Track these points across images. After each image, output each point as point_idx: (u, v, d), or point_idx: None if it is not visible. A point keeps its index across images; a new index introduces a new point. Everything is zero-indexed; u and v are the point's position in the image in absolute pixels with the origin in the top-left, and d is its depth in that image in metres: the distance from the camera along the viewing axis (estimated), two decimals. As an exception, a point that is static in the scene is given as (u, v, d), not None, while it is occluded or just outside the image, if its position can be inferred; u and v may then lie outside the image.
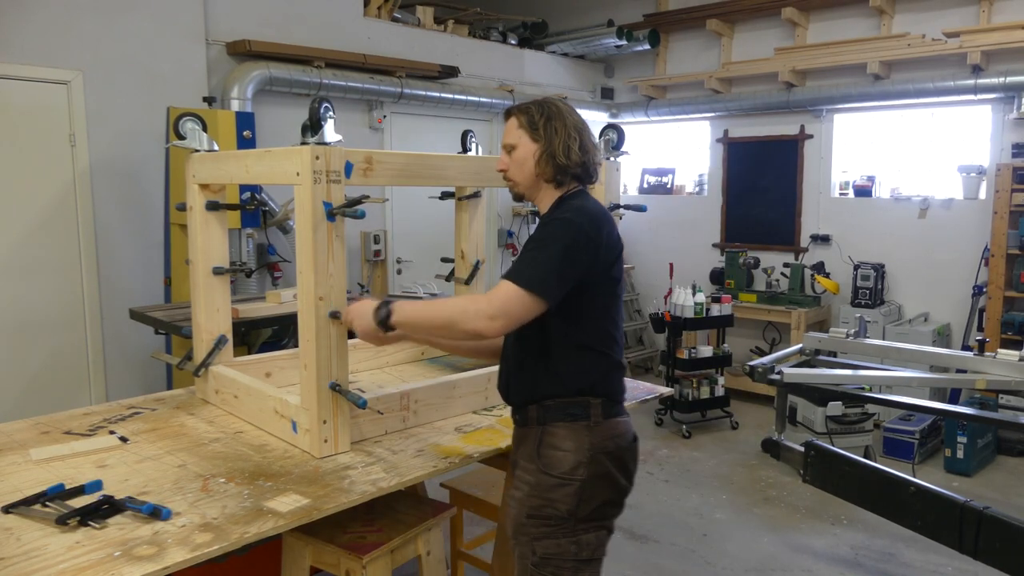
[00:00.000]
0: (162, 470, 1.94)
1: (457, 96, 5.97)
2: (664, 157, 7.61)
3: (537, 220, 1.98)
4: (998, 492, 4.44)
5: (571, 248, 1.77)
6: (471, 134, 2.87)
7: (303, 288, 2.01)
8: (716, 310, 5.50)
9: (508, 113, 1.99)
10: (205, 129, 2.44)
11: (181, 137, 2.42)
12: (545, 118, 1.91)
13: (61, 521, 1.55)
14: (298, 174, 1.95)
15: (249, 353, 3.70)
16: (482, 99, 6.20)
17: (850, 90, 5.89)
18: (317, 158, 1.91)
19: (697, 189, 7.29)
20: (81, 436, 2.16)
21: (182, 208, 2.51)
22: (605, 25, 6.99)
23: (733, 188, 6.87)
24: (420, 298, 4.94)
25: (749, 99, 6.46)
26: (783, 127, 6.51)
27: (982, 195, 5.53)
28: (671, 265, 6.68)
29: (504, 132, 1.99)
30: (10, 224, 4.08)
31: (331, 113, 1.99)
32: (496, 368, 2.48)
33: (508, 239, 6.78)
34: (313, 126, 1.96)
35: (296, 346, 2.11)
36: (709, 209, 7.01)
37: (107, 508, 1.65)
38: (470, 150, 2.87)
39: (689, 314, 5.39)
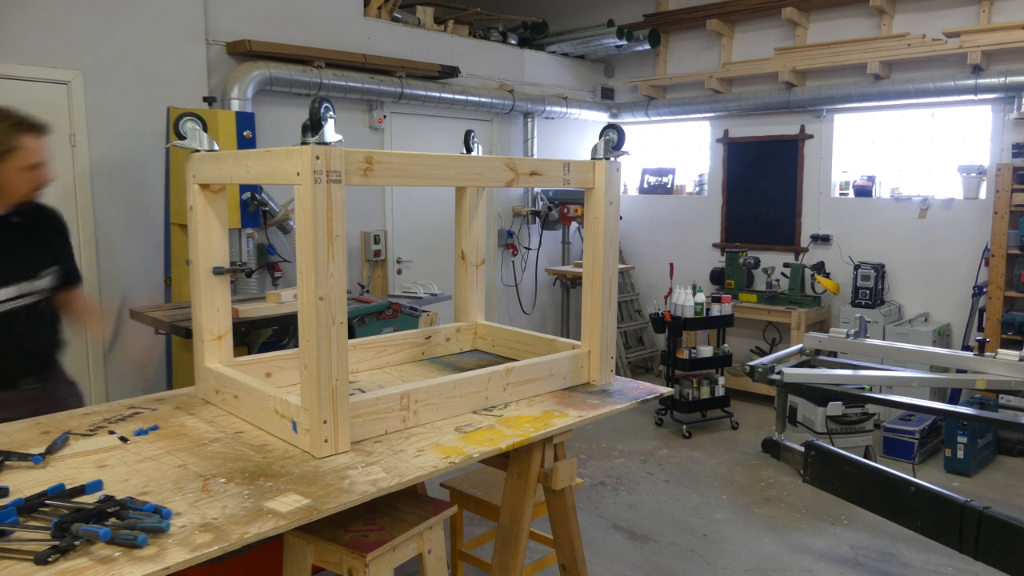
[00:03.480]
0: (162, 470, 1.93)
1: (457, 96, 5.97)
2: (664, 157, 7.62)
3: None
4: (998, 492, 4.44)
5: None
6: (473, 134, 2.88)
7: (303, 288, 2.01)
8: (716, 310, 5.50)
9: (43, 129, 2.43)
10: (205, 129, 2.44)
11: (181, 137, 2.40)
12: None
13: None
14: (298, 174, 1.93)
15: (249, 353, 3.70)
16: (482, 99, 6.20)
17: (850, 90, 5.89)
18: (317, 158, 1.90)
19: (697, 189, 7.29)
20: (81, 436, 2.16)
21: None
22: (605, 25, 6.99)
23: (733, 188, 6.87)
24: (420, 298, 4.95)
25: (749, 99, 6.46)
26: (783, 127, 6.51)
27: (982, 195, 5.53)
28: (671, 265, 6.69)
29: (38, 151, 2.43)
30: (10, 224, 4.08)
31: (331, 113, 1.98)
32: (496, 368, 2.49)
33: (508, 239, 6.78)
34: (313, 126, 1.94)
35: (296, 346, 2.11)
36: (709, 209, 7.02)
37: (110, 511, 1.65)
38: (472, 150, 2.87)
39: (689, 314, 5.39)
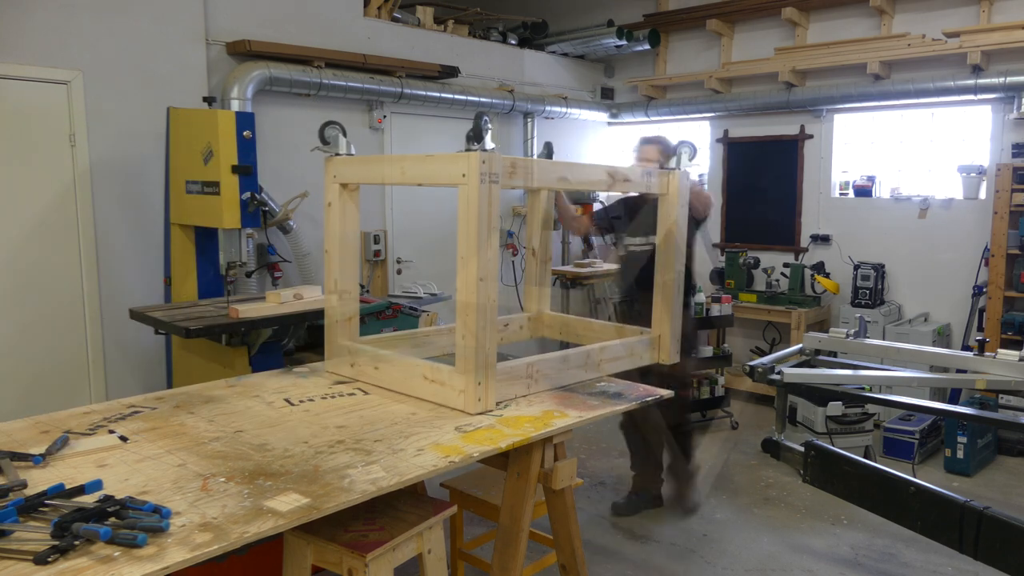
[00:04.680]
0: (162, 469, 1.94)
1: (457, 96, 5.97)
2: (664, 157, 7.61)
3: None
4: (998, 492, 4.44)
5: None
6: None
7: (464, 272, 2.32)
8: (716, 310, 5.50)
9: None
10: (345, 135, 2.74)
11: (325, 143, 2.71)
12: None
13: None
14: (464, 175, 2.27)
15: (250, 354, 3.71)
16: (482, 99, 6.19)
17: (850, 90, 5.89)
18: (483, 162, 2.25)
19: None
20: (81, 435, 2.16)
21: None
22: (605, 25, 6.99)
23: (733, 188, 6.87)
24: (420, 298, 4.95)
25: (749, 99, 6.46)
26: (783, 127, 6.51)
27: (982, 195, 5.53)
28: (671, 265, 6.65)
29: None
30: (10, 224, 4.08)
31: (489, 125, 2.34)
32: (592, 347, 2.92)
33: (508, 239, 6.78)
34: (476, 136, 2.31)
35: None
36: (709, 209, 7.01)
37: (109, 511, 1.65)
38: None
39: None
